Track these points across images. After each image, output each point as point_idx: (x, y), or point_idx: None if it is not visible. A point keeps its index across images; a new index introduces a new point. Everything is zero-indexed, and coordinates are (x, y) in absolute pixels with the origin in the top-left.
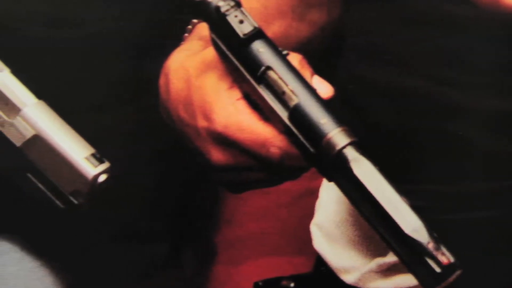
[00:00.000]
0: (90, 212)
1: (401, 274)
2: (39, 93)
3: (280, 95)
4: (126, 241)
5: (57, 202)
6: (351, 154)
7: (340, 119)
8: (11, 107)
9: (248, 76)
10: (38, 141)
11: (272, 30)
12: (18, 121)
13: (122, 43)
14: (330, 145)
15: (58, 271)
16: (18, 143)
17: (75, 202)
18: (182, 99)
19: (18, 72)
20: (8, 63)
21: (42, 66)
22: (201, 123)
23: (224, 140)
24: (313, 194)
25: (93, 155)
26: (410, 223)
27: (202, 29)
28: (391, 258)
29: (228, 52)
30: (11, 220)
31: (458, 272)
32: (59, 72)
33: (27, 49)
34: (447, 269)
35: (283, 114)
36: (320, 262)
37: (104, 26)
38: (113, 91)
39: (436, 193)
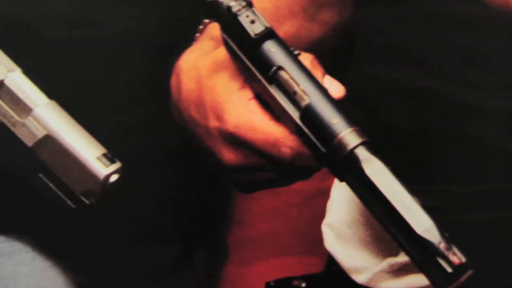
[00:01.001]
0: (102, 212)
1: (412, 274)
2: (56, 92)
3: (291, 95)
4: (138, 241)
5: (69, 202)
6: (363, 154)
7: (351, 119)
8: (22, 107)
9: (260, 76)
10: (49, 141)
11: (284, 30)
12: (29, 121)
13: (137, 44)
14: (341, 145)
15: (70, 271)
16: (29, 143)
17: (87, 202)
18: (194, 99)
19: (35, 71)
20: (27, 62)
21: (59, 65)
22: (213, 123)
23: (235, 140)
24: (325, 194)
25: (104, 155)
26: (422, 223)
27: (214, 29)
28: (402, 258)
29: (239, 52)
30: (22, 220)
31: (469, 272)
32: (76, 72)
33: (46, 49)
34: (459, 269)
35: (295, 114)
36: (331, 262)
37: (120, 26)
38: (129, 91)
39: (448, 193)
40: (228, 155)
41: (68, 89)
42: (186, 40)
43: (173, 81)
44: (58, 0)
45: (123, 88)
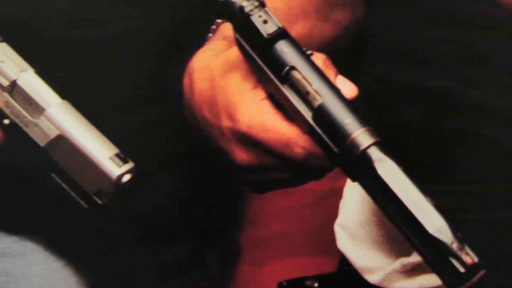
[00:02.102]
0: (114, 212)
1: (425, 274)
2: (63, 93)
3: (304, 95)
4: (150, 241)
5: (81, 202)
6: (375, 154)
7: (364, 119)
8: (35, 107)
9: (272, 76)
10: (62, 141)
11: (296, 30)
12: (42, 121)
13: (146, 43)
14: (354, 145)
15: (82, 271)
16: (42, 143)
17: (99, 202)
18: (206, 99)
19: (42, 72)
20: (31, 63)
21: (65, 66)
22: (225, 123)
23: (248, 140)
24: (337, 194)
25: (117, 155)
26: (434, 223)
27: (226, 29)
28: (415, 258)
29: (252, 52)
30: (35, 220)
31: (482, 272)
32: (83, 72)
33: (50, 49)
34: (471, 269)
35: (307, 114)
36: (344, 262)
37: (128, 26)
38: (137, 91)
39: (460, 193)
40: (241, 155)
41: (78, 89)
42: (196, 40)
43: (185, 81)
44: (59, 0)
45: (133, 88)
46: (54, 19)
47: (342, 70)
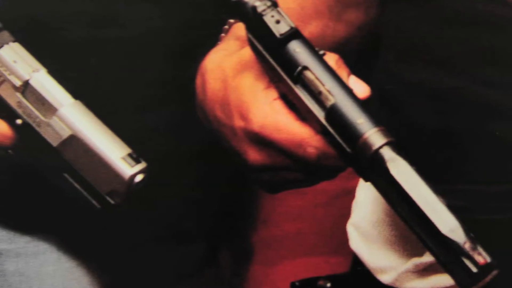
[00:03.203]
0: (127, 212)
1: (437, 274)
2: (81, 92)
3: (316, 95)
4: (163, 241)
5: (94, 202)
6: (388, 154)
7: (376, 119)
8: (47, 107)
9: (285, 76)
10: (74, 141)
11: (309, 30)
12: (54, 121)
13: (160, 44)
14: (366, 145)
15: (95, 271)
16: (54, 143)
17: (112, 202)
18: (219, 99)
19: (59, 71)
20: (49, 63)
21: (84, 66)
22: (238, 123)
23: (261, 140)
24: (350, 194)
25: (129, 155)
26: (447, 223)
27: (239, 29)
28: (427, 258)
29: (264, 52)
30: (48, 220)
31: (494, 272)
32: (101, 72)
33: (70, 49)
34: (484, 269)
35: (320, 114)
36: (356, 262)
37: (142, 26)
38: (153, 91)
39: (474, 193)
40: (253, 155)
41: (92, 89)
42: (209, 40)
43: (198, 81)
44: (80, 1)
45: (147, 88)
46: (75, 19)
47: (355, 70)
